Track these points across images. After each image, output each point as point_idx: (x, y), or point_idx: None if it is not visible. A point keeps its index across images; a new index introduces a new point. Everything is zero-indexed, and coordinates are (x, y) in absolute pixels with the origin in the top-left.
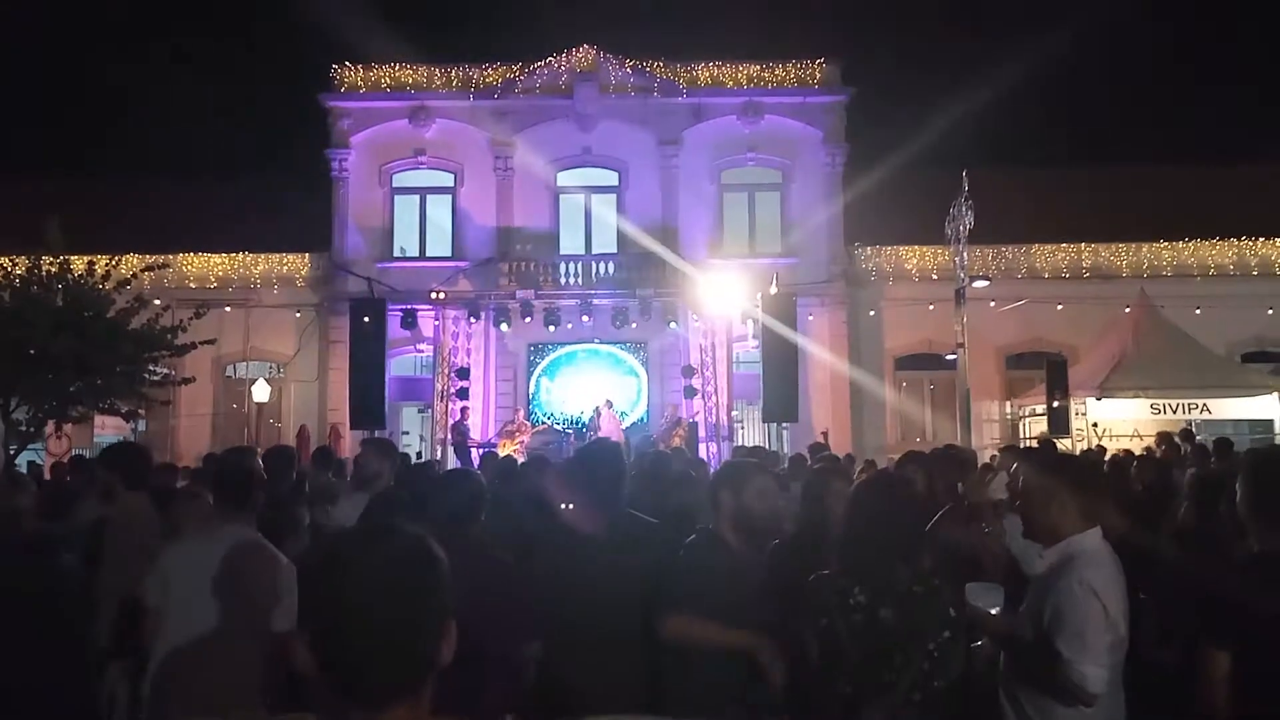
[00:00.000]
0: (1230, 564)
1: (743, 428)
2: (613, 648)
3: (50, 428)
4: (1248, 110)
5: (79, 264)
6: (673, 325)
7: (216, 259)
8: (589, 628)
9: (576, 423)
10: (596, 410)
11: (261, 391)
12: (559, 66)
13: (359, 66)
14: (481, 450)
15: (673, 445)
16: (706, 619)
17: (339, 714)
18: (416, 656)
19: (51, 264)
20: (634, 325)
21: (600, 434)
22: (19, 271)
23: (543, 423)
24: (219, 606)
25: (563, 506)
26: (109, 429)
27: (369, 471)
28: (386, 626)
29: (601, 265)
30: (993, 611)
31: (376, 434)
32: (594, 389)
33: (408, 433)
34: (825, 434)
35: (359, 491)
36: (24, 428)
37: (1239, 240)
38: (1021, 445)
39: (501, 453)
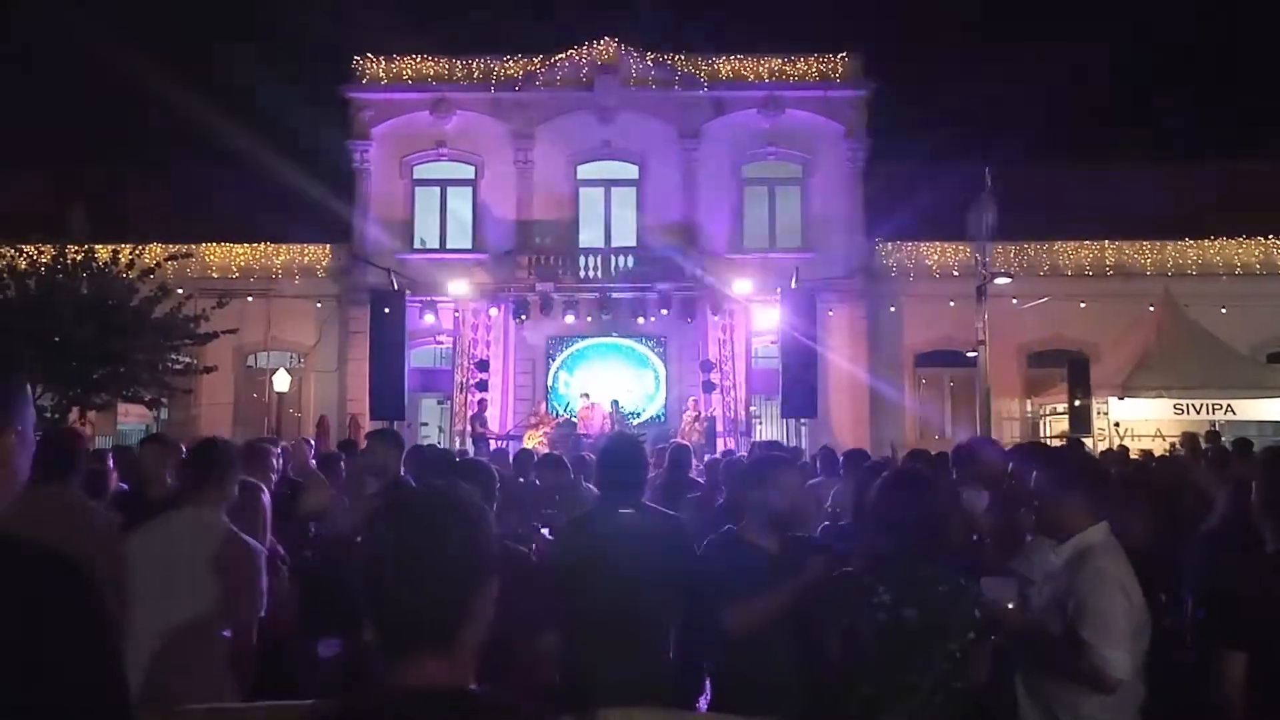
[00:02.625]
0: (1246, 564)
1: (761, 423)
2: (632, 640)
3: (74, 415)
4: (1276, 106)
5: (103, 253)
6: (689, 321)
7: (238, 249)
8: (608, 620)
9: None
10: (568, 406)
11: (282, 381)
12: (580, 59)
13: (381, 58)
14: (500, 441)
15: (690, 440)
16: (756, 600)
17: (378, 672)
18: (442, 611)
19: (76, 253)
20: (653, 319)
21: (588, 428)
22: (44, 260)
23: (559, 415)
24: (186, 592)
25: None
26: (132, 417)
27: (376, 462)
28: (414, 579)
29: (621, 259)
30: (1010, 606)
31: (394, 425)
32: (611, 382)
33: (426, 424)
34: (893, 448)
35: (372, 479)
36: (49, 415)
37: (1265, 239)
38: (1040, 442)
39: (527, 444)
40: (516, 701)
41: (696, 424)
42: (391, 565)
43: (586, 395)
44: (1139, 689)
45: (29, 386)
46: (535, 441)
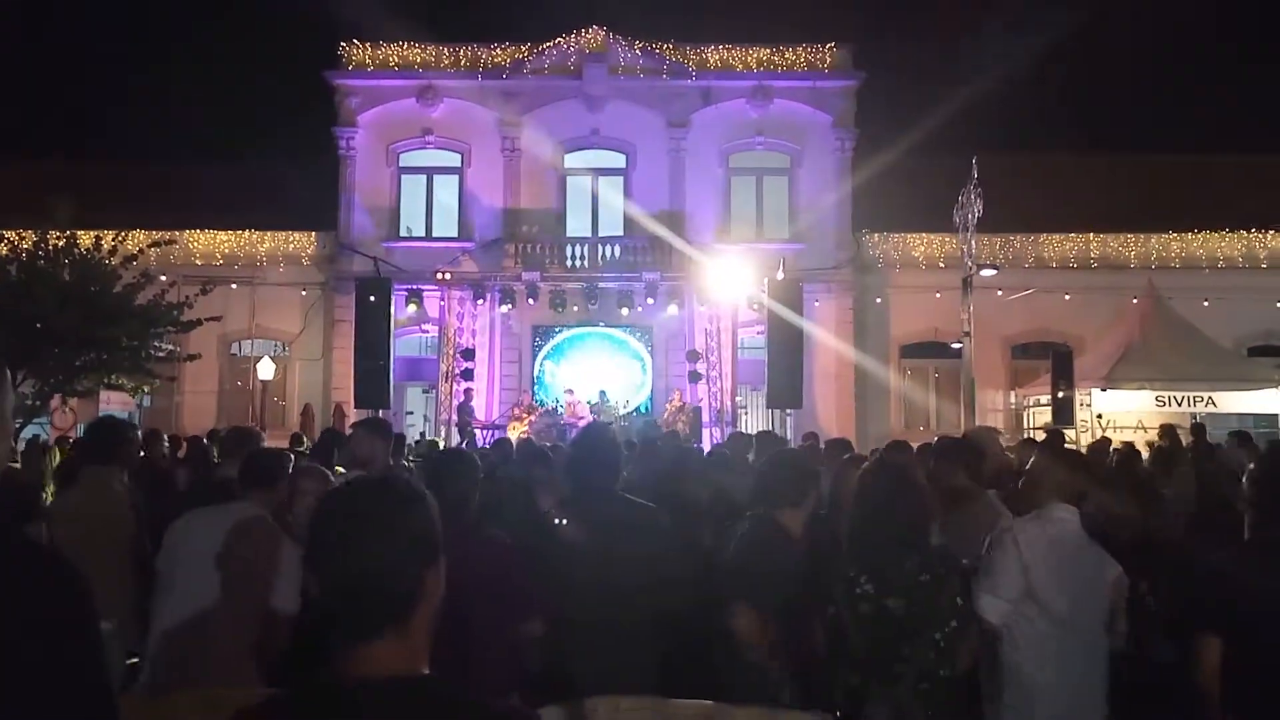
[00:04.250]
0: (1224, 551)
1: (746, 413)
2: (614, 631)
3: (55, 402)
4: (1261, 101)
5: (86, 239)
6: (675, 310)
7: (223, 236)
8: (589, 611)
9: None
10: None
11: (266, 369)
12: (568, 47)
13: (367, 44)
14: (485, 431)
15: (674, 430)
16: (765, 618)
17: (335, 656)
18: (398, 587)
19: (59, 238)
20: (639, 309)
21: (574, 420)
22: (26, 245)
23: (544, 405)
24: (218, 579)
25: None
26: (114, 404)
27: (363, 453)
28: (369, 557)
29: (608, 248)
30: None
31: (381, 414)
32: (598, 372)
33: (411, 413)
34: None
35: (356, 471)
36: (30, 402)
37: (1249, 232)
38: (1027, 435)
39: (512, 434)
40: (469, 687)
41: (680, 414)
42: (345, 548)
43: (571, 391)
44: (1048, 673)
45: (9, 373)
46: (519, 433)
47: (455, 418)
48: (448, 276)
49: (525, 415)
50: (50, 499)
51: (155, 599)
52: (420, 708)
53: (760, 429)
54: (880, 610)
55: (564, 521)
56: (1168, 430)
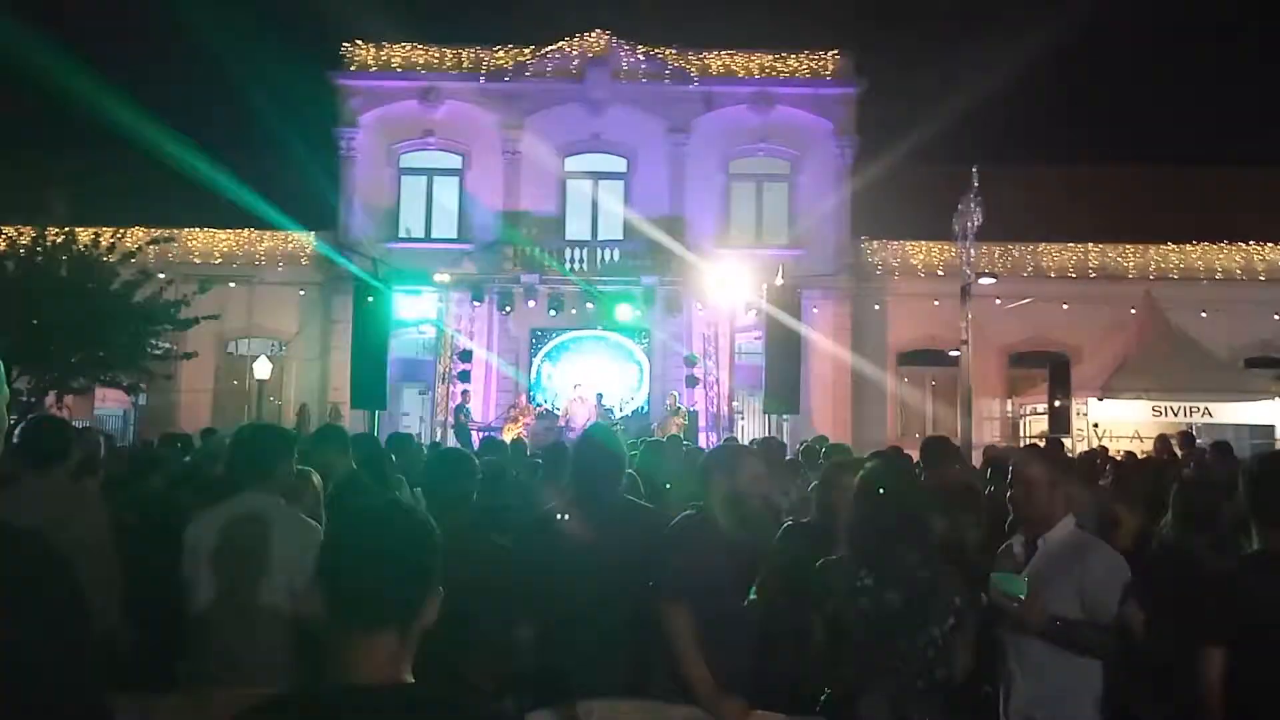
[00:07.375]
0: (1229, 563)
1: (743, 418)
2: (609, 634)
3: (51, 399)
4: (1261, 111)
5: (84, 236)
6: (674, 314)
7: (221, 234)
8: (586, 613)
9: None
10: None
11: (263, 368)
12: (570, 51)
13: (370, 45)
14: (482, 433)
15: (669, 434)
16: (694, 627)
17: (339, 640)
18: (408, 588)
19: (57, 235)
20: (638, 313)
21: (573, 421)
22: (24, 241)
23: (540, 406)
24: (242, 573)
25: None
26: (110, 401)
27: (318, 461)
28: (386, 558)
29: (607, 252)
30: (1021, 598)
31: (378, 414)
32: (595, 375)
33: (408, 414)
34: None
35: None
36: (25, 398)
37: (1247, 244)
38: (1025, 443)
39: (506, 436)
40: (461, 689)
41: (675, 418)
42: (363, 543)
43: (578, 386)
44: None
45: (2, 367)
46: (514, 434)
47: (452, 419)
48: (446, 278)
49: (521, 417)
50: None
51: (186, 603)
52: (409, 712)
53: (756, 435)
54: (878, 602)
55: (566, 516)
56: (1160, 441)
